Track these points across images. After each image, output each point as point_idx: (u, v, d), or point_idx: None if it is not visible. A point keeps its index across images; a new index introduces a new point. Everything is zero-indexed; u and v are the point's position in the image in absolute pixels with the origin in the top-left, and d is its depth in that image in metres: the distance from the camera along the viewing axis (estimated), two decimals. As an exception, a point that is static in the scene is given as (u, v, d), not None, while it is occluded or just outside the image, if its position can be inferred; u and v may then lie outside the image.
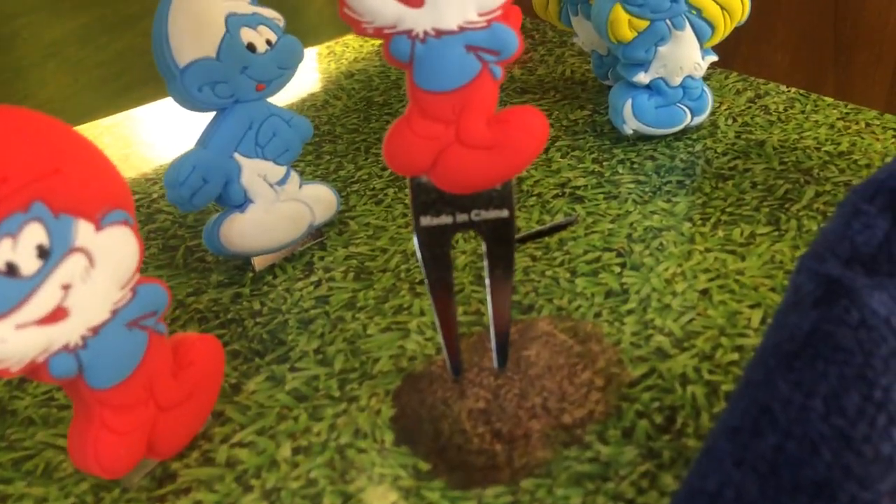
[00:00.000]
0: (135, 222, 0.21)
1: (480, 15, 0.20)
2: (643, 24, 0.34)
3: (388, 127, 0.21)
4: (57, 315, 0.19)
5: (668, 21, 0.34)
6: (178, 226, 0.34)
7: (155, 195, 0.36)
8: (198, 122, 0.29)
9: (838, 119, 0.38)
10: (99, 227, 0.20)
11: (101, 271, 0.20)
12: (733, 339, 0.26)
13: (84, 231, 0.20)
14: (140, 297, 0.21)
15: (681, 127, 0.37)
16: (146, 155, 0.39)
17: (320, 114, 0.42)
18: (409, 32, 0.20)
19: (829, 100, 0.40)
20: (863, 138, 0.37)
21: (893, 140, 0.36)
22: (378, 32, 0.20)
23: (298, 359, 0.26)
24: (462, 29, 0.20)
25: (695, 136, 0.38)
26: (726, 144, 0.37)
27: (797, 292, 0.21)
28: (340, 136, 0.40)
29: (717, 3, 0.34)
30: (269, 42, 0.30)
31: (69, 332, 0.20)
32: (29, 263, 0.19)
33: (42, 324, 0.19)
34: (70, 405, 0.25)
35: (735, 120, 0.39)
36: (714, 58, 0.36)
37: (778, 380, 0.19)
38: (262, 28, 0.29)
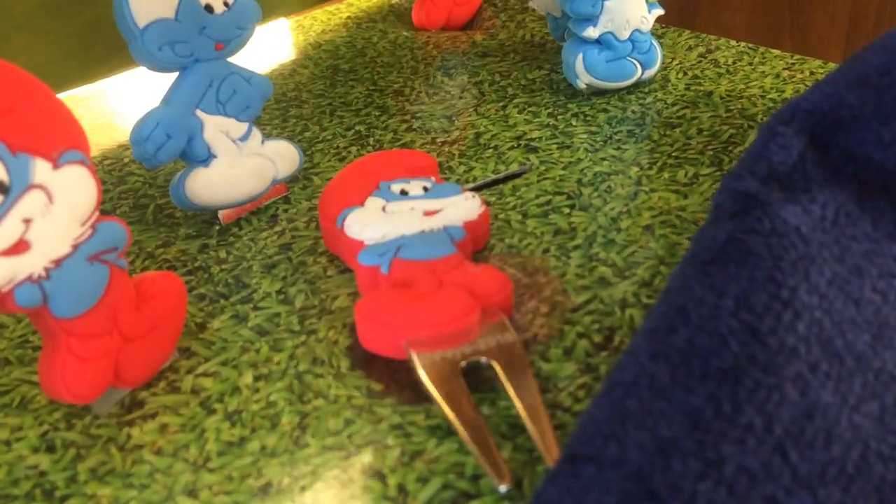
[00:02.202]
0: (91, 163, 0.22)
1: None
2: None
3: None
4: (19, 247, 0.21)
5: None
6: (149, 186, 0.35)
7: (126, 160, 0.37)
8: (166, 90, 0.30)
9: (784, 69, 0.40)
10: (56, 166, 0.21)
11: (60, 207, 0.21)
12: (671, 267, 0.27)
13: (42, 169, 0.21)
14: (100, 233, 0.23)
15: (632, 80, 0.38)
16: (118, 123, 0.40)
17: (287, 81, 0.44)
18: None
19: (776, 52, 0.41)
20: (806, 86, 0.38)
21: (836, 86, 0.38)
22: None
23: (261, 299, 0.28)
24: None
25: (646, 90, 0.39)
26: (676, 96, 0.38)
27: (717, 209, 0.23)
28: (307, 100, 0.41)
29: None
30: (226, 3, 0.31)
31: (32, 263, 0.21)
32: (-10, 199, 0.20)
33: (5, 255, 0.20)
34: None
35: (685, 73, 0.40)
36: (660, 11, 0.38)
37: (693, 284, 0.20)
38: (219, -11, 0.31)
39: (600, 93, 0.39)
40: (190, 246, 0.31)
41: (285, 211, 0.33)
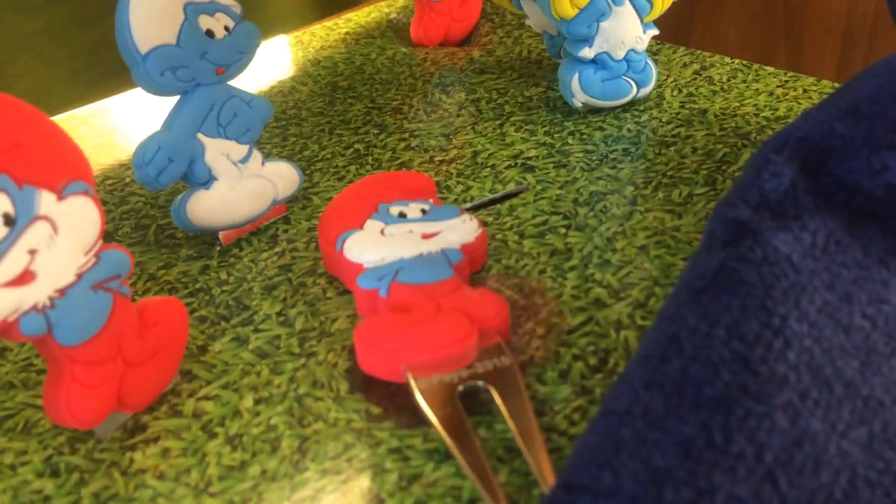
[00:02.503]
0: (95, 193, 0.23)
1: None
2: (584, 1, 0.36)
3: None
4: (25, 278, 0.21)
5: None
6: (150, 206, 0.36)
7: (128, 179, 0.38)
8: (166, 109, 0.31)
9: (777, 87, 0.40)
10: (61, 197, 0.22)
11: (65, 237, 0.22)
12: (666, 289, 0.28)
13: (47, 200, 0.21)
14: (103, 262, 0.23)
15: (628, 99, 0.39)
16: (120, 143, 0.41)
17: (287, 99, 0.44)
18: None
19: (770, 69, 0.42)
20: (800, 103, 0.38)
21: (829, 104, 0.38)
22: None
23: (262, 321, 0.28)
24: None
25: (641, 108, 0.40)
26: (671, 114, 0.39)
27: (710, 237, 0.23)
28: (306, 118, 0.42)
29: None
30: (226, 28, 0.31)
31: (37, 293, 0.21)
32: (-3, 230, 0.20)
33: (11, 286, 0.21)
34: (46, 370, 0.27)
35: (680, 91, 0.41)
36: (655, 31, 0.38)
37: (686, 312, 0.20)
38: (219, 15, 0.31)
39: (596, 111, 0.40)
40: (191, 267, 0.31)
41: (285, 231, 0.33)
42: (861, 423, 0.19)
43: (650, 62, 0.39)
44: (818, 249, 0.22)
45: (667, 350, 0.20)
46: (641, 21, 0.38)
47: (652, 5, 0.37)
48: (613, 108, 0.39)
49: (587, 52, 0.37)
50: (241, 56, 0.32)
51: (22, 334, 0.21)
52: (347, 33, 0.52)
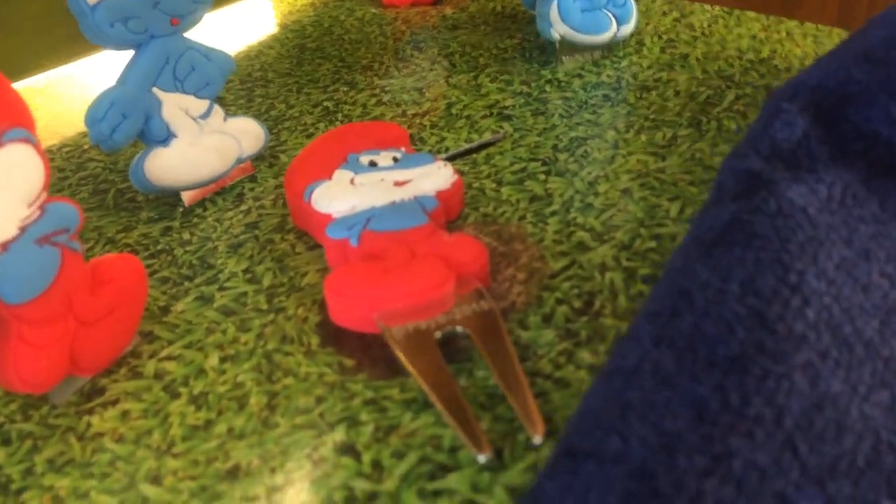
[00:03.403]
0: (38, 142, 0.21)
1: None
2: None
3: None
4: (-37, 230, 0.19)
5: None
6: (109, 171, 0.34)
7: (86, 146, 0.36)
8: None
9: (761, 30, 0.39)
10: (-1, 144, 0.20)
11: (5, 187, 0.20)
12: (652, 230, 0.26)
13: (-17, 147, 0.20)
14: (49, 215, 0.21)
15: (607, 35, 0.37)
16: (77, 110, 0.39)
17: (253, 62, 0.42)
18: None
19: (752, 14, 0.40)
20: (783, 45, 0.37)
21: (813, 45, 0.37)
22: None
23: (227, 279, 0.27)
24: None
25: (621, 54, 0.38)
26: (651, 59, 0.37)
27: (719, 189, 0.21)
28: (272, 80, 0.40)
29: None
30: (180, -25, 0.30)
31: (-24, 247, 0.20)
32: (-73, 179, 0.19)
33: (-54, 239, 0.19)
34: None
35: (660, 37, 0.39)
36: None
37: (697, 266, 0.19)
38: (172, -38, 0.29)
39: (574, 52, 0.38)
40: (152, 229, 0.30)
41: (251, 190, 0.31)
42: (883, 386, 0.17)
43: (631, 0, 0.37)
44: (835, 203, 0.20)
45: (677, 305, 0.18)
46: None
47: None
48: (592, 47, 0.38)
49: None
50: (196, 6, 0.30)
51: (-40, 294, 0.20)
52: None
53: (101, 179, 0.33)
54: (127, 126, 0.29)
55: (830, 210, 0.20)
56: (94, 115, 0.28)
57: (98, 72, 0.42)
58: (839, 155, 0.22)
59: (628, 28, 0.37)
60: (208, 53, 0.31)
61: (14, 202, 0.21)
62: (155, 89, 0.29)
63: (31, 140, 0.21)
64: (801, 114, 0.22)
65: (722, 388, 0.16)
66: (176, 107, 0.30)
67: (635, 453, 0.16)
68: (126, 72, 0.29)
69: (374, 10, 0.48)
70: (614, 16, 0.37)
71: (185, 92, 0.30)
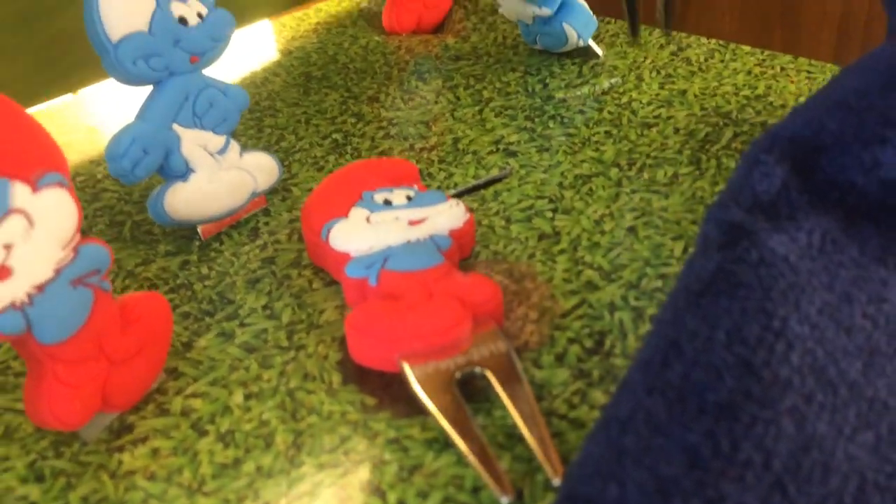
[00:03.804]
0: (70, 185, 0.22)
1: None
2: None
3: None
4: (1, 274, 0.20)
5: None
6: (124, 202, 0.34)
7: (100, 175, 0.36)
8: (137, 101, 0.30)
9: (755, 65, 0.40)
10: (35, 189, 0.21)
11: (41, 231, 0.21)
12: (657, 269, 0.28)
13: (21, 193, 0.21)
14: (82, 257, 0.22)
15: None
16: (90, 138, 0.39)
17: (260, 90, 0.43)
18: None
19: (747, 48, 0.42)
20: (778, 81, 0.38)
21: (807, 81, 0.38)
22: None
23: (247, 315, 0.27)
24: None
25: (621, 90, 0.39)
26: (650, 95, 0.39)
27: (705, 240, 0.23)
28: (280, 109, 0.41)
29: None
30: (199, 15, 0.30)
31: (14, 290, 0.20)
32: (-30, 226, 0.19)
33: (-13, 283, 0.20)
34: (25, 373, 0.26)
35: (658, 72, 0.41)
36: None
37: (685, 316, 0.20)
38: (192, 1, 0.30)
39: (575, 95, 0.39)
40: (170, 263, 0.30)
41: (266, 224, 0.32)
42: (867, 427, 0.19)
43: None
44: (815, 249, 0.21)
45: (667, 355, 0.19)
46: None
47: None
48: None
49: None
50: (215, 44, 0.31)
51: (0, 333, 0.20)
52: (318, 23, 0.51)
53: (116, 211, 0.34)
54: (148, 162, 0.29)
55: (811, 257, 0.21)
56: (116, 150, 0.29)
57: (108, 98, 0.42)
58: (817, 203, 0.23)
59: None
60: (226, 90, 0.31)
61: (50, 245, 0.21)
62: (175, 125, 0.30)
63: (64, 183, 0.22)
64: (778, 164, 0.23)
65: (712, 435, 0.17)
66: (195, 143, 0.31)
67: (633, 498, 0.17)
68: (146, 108, 0.30)
69: (377, 38, 0.49)
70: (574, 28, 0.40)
71: (203, 128, 0.31)
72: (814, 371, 0.19)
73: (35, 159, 0.21)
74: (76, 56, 0.40)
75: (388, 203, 0.29)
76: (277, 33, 0.50)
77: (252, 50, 0.48)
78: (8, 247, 0.20)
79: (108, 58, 0.29)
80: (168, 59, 0.29)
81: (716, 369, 0.19)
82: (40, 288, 0.21)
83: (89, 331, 0.22)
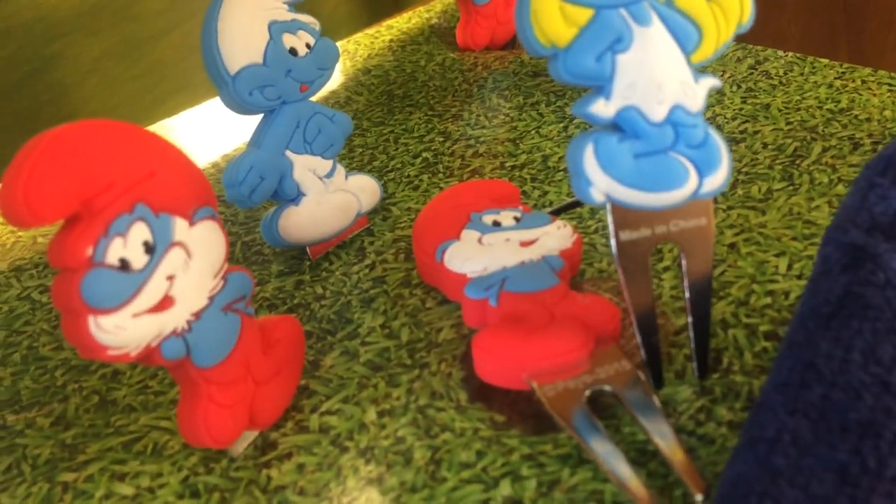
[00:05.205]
0: (219, 217, 0.23)
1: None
2: (584, 14, 0.22)
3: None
4: (165, 303, 0.21)
5: (623, 11, 0.22)
6: (231, 223, 0.36)
7: (202, 198, 0.38)
8: (227, 126, 0.31)
9: (835, 79, 0.41)
10: (192, 223, 0.22)
11: (198, 262, 0.22)
12: (764, 286, 0.28)
13: (180, 227, 0.22)
14: (230, 284, 0.23)
15: (683, 193, 0.23)
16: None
17: (345, 110, 0.44)
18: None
19: (825, 61, 0.42)
20: (860, 94, 0.39)
21: (889, 94, 0.39)
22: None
23: (367, 334, 0.28)
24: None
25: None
26: (734, 110, 0.39)
27: (825, 262, 0.23)
28: (368, 129, 0.42)
29: None
30: (308, 45, 0.32)
31: (176, 318, 0.22)
32: (138, 258, 0.21)
33: (153, 311, 0.21)
34: (164, 390, 0.27)
35: (739, 86, 0.41)
36: (716, 82, 0.23)
37: (819, 339, 0.21)
38: (301, 33, 0.32)
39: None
40: (285, 283, 0.32)
41: (371, 243, 0.33)
42: None
43: (714, 134, 0.23)
44: None
45: (805, 376, 0.20)
46: (687, 59, 0.23)
47: (700, 32, 0.22)
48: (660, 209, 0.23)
49: (603, 108, 0.22)
50: (322, 72, 0.32)
51: (164, 359, 0.22)
52: (392, 40, 0.52)
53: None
54: (264, 187, 0.31)
55: None
56: (235, 177, 0.30)
57: (199, 123, 0.44)
58: None
59: (719, 179, 0.23)
60: (333, 116, 0.33)
61: (205, 274, 0.23)
62: (287, 152, 0.31)
63: (215, 216, 0.23)
64: (893, 186, 0.24)
65: (859, 452, 0.18)
66: (305, 167, 0.32)
67: None
68: (261, 136, 0.31)
69: (451, 55, 0.50)
70: (691, 161, 0.23)
71: (313, 153, 0.32)
72: None
73: (191, 195, 0.22)
74: (171, 84, 0.41)
75: (497, 224, 0.30)
76: (354, 52, 0.51)
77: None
78: (170, 278, 0.22)
79: (227, 89, 0.30)
80: (281, 88, 0.31)
81: (854, 389, 0.19)
82: (197, 315, 0.22)
83: (238, 354, 0.24)
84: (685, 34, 0.23)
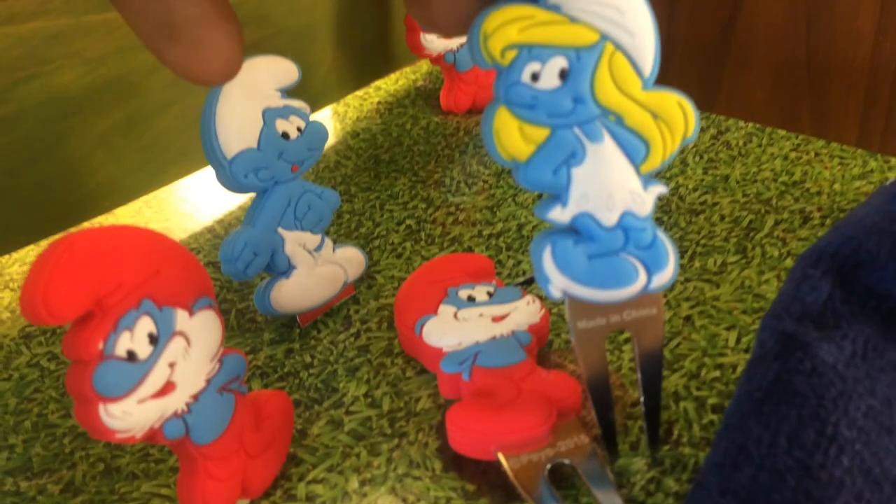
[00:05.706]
0: (216, 304, 0.26)
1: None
2: (541, 133, 0.23)
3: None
4: (167, 389, 0.24)
5: (576, 130, 0.24)
6: (227, 290, 0.38)
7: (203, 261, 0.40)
8: (225, 194, 0.34)
9: (791, 150, 0.44)
10: (192, 314, 0.25)
11: (196, 348, 0.25)
12: (715, 359, 0.31)
13: (181, 318, 0.24)
14: (226, 366, 0.26)
15: (633, 290, 0.25)
16: (185, 225, 0.43)
17: (335, 175, 0.47)
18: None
19: (783, 132, 0.45)
20: (813, 167, 0.42)
21: (839, 167, 0.42)
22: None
23: (351, 403, 0.31)
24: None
25: (668, 175, 0.43)
26: (696, 181, 0.42)
27: (762, 347, 0.26)
28: (356, 195, 0.45)
29: (647, 110, 0.24)
30: (299, 129, 0.34)
31: (177, 401, 0.24)
32: (143, 349, 0.23)
33: (156, 397, 0.24)
34: (164, 458, 0.29)
35: (702, 157, 0.44)
36: (662, 189, 0.25)
37: (750, 422, 0.24)
38: (292, 117, 0.34)
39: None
40: (276, 351, 0.34)
41: (356, 311, 0.36)
42: None
43: (662, 235, 0.25)
44: (858, 357, 0.25)
45: (736, 458, 0.23)
46: (636, 170, 0.24)
47: (648, 147, 0.24)
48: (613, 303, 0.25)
49: (560, 214, 0.24)
50: (312, 153, 0.35)
51: (165, 438, 0.24)
52: (380, 102, 0.55)
53: (220, 299, 0.38)
54: (258, 262, 0.33)
55: (855, 364, 0.25)
56: (231, 253, 0.33)
57: (197, 189, 0.47)
58: (858, 312, 0.26)
59: (665, 276, 0.25)
60: (321, 194, 0.35)
61: (202, 360, 0.25)
62: (279, 229, 0.34)
63: (212, 305, 0.26)
64: (824, 277, 0.27)
65: None
66: (295, 242, 0.35)
67: None
68: (254, 214, 0.34)
69: (436, 119, 0.53)
70: (641, 262, 0.25)
71: (303, 229, 0.35)
72: (861, 471, 0.22)
73: (191, 287, 0.25)
74: (173, 152, 0.44)
75: (471, 299, 0.32)
76: (343, 115, 0.54)
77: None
78: (172, 365, 0.24)
79: (223, 172, 0.33)
80: (273, 170, 0.33)
81: (779, 472, 0.22)
82: (195, 397, 0.25)
83: (233, 430, 0.26)
84: (634, 149, 0.24)
